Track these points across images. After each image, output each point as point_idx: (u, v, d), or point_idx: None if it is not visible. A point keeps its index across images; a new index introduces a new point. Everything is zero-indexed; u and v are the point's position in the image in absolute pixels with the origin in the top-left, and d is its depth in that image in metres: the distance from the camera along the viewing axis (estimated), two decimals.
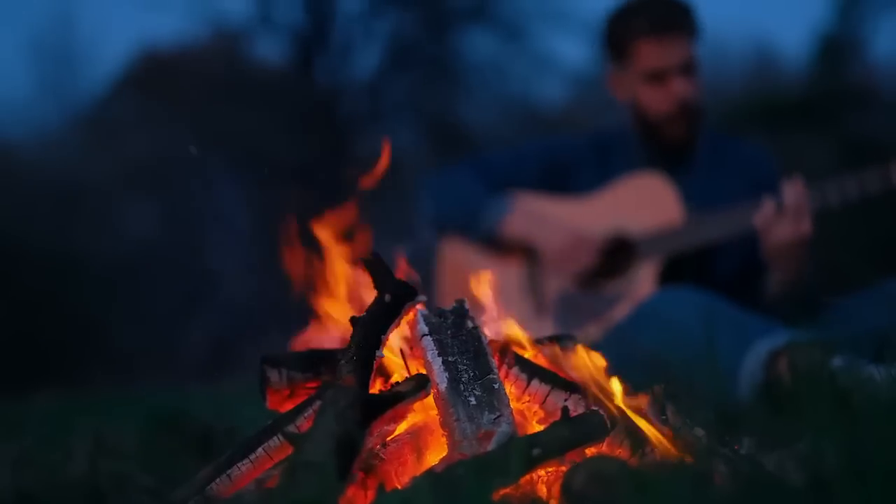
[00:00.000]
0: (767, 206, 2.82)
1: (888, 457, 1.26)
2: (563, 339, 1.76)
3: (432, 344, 1.62)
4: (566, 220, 3.17)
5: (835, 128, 8.99)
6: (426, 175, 3.49)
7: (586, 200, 3.22)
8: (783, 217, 2.80)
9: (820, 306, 2.82)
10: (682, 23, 3.10)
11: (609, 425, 1.55)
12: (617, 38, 3.14)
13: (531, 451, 1.44)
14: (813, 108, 9.15)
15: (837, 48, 9.68)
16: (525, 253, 3.20)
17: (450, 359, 1.59)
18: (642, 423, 1.58)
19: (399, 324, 1.66)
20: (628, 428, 1.57)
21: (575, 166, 3.25)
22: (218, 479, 1.60)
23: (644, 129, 3.17)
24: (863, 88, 9.70)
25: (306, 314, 1.81)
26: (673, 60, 3.07)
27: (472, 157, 3.48)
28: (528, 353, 1.71)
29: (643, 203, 3.14)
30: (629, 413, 1.59)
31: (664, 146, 3.17)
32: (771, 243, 2.83)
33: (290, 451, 1.54)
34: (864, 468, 1.27)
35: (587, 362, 1.68)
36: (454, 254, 3.29)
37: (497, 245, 3.20)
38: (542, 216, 3.18)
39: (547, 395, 1.63)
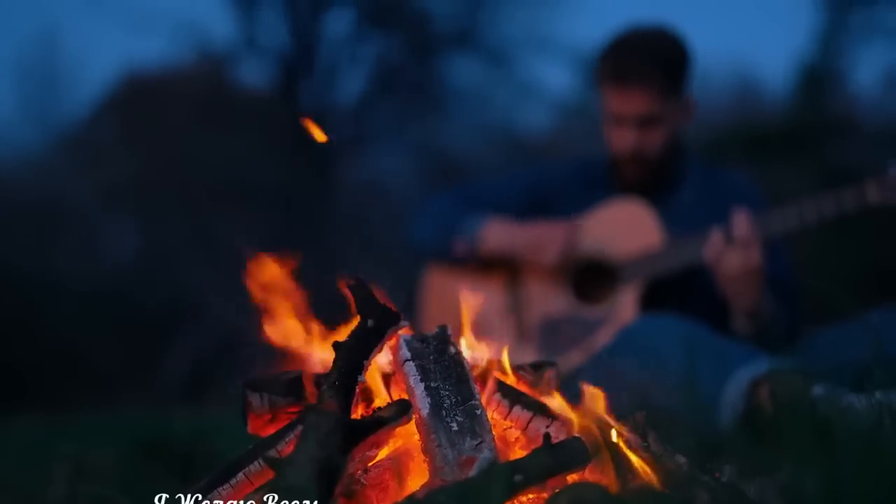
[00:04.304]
0: (716, 237, 2.83)
1: (867, 486, 1.27)
2: (544, 366, 1.76)
3: (414, 369, 1.61)
4: None
5: (816, 157, 9.04)
6: (414, 207, 3.50)
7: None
8: (733, 248, 2.81)
9: (800, 335, 2.82)
10: (646, 77, 3.02)
11: (591, 452, 1.54)
12: (596, 70, 3.16)
13: (513, 478, 1.44)
14: (794, 138, 9.21)
15: (818, 79, 9.76)
16: (507, 273, 3.21)
17: (432, 384, 1.59)
18: (624, 450, 1.59)
19: (382, 349, 1.66)
20: (610, 454, 1.57)
21: (559, 196, 3.26)
22: None
23: (611, 161, 3.22)
24: (843, 119, 9.77)
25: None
26: (628, 111, 3.05)
27: (457, 188, 3.49)
28: (510, 379, 1.71)
29: (623, 228, 3.14)
30: (612, 440, 1.59)
31: (622, 182, 3.19)
32: (722, 275, 2.84)
33: (271, 475, 1.53)
34: (843, 497, 1.27)
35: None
36: (438, 281, 3.30)
37: (478, 262, 3.20)
38: (517, 225, 3.19)
39: (529, 422, 1.62)
